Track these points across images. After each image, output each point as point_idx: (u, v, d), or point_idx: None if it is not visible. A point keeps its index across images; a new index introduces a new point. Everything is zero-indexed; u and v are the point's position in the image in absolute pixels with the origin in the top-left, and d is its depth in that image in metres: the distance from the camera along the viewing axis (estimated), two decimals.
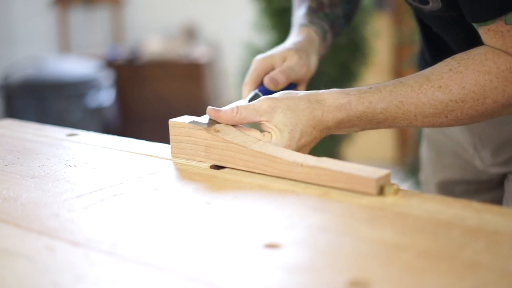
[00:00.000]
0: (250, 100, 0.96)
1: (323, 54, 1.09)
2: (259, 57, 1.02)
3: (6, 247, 0.64)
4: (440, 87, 0.84)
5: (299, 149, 0.85)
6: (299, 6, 1.12)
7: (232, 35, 4.04)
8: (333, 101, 0.85)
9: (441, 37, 1.01)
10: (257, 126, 0.88)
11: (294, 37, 1.06)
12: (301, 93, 0.87)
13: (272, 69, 1.01)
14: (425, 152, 1.24)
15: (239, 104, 0.90)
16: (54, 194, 0.78)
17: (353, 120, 0.86)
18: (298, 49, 1.02)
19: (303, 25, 1.07)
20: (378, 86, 0.86)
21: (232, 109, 0.87)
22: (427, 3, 0.91)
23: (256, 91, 0.99)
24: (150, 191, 0.79)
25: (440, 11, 0.91)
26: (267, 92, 0.98)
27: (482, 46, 0.85)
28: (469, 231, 0.64)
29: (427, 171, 1.24)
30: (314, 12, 1.08)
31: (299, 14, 1.10)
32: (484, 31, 0.84)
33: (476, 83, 0.83)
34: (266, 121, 0.85)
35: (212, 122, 0.88)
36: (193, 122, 0.88)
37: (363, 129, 0.89)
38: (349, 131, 0.89)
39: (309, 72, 1.02)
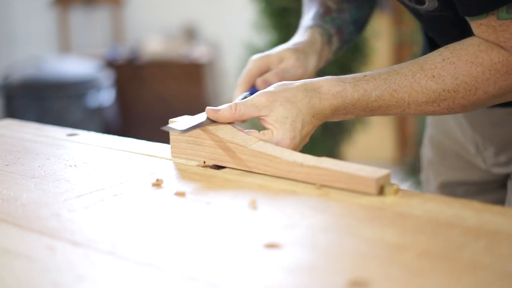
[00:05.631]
0: None
1: (329, 58, 1.09)
2: (256, 56, 1.01)
3: (6, 247, 0.64)
4: (434, 76, 0.85)
5: (302, 139, 0.86)
6: (308, 10, 1.13)
7: (232, 35, 4.04)
8: (329, 88, 0.86)
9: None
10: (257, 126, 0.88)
11: (297, 38, 1.07)
12: (296, 83, 0.88)
13: (268, 69, 1.01)
14: (427, 153, 1.24)
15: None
16: (54, 194, 0.78)
17: (348, 108, 0.87)
18: (297, 49, 1.02)
19: (308, 27, 1.08)
20: (373, 74, 0.87)
21: (231, 106, 0.87)
22: (423, 3, 0.91)
23: (247, 93, 0.97)
24: (150, 191, 0.79)
25: (436, 11, 0.91)
26: None
27: (475, 37, 0.85)
28: (470, 231, 0.64)
29: (428, 172, 1.24)
30: (321, 15, 1.09)
31: (307, 17, 1.11)
32: (476, 25, 0.84)
33: (469, 74, 0.84)
34: (266, 115, 0.85)
35: (208, 122, 0.88)
36: (167, 128, 0.87)
37: (357, 116, 0.90)
38: (344, 118, 0.90)
39: (305, 73, 1.02)
